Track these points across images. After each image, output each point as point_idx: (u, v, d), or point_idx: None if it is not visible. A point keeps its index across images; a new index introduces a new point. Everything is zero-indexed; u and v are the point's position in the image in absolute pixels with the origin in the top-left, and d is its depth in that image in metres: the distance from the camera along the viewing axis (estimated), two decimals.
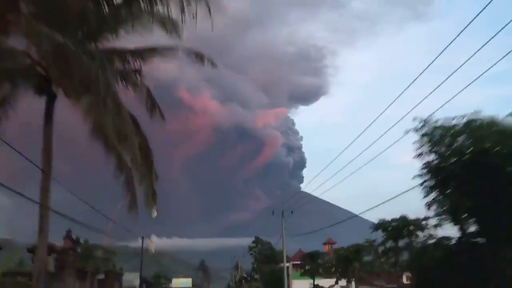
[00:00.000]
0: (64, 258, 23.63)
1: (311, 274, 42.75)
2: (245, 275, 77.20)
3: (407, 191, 19.16)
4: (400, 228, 24.16)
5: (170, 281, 71.26)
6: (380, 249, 27.70)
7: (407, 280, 62.92)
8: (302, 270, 49.55)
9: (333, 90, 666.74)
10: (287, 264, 55.95)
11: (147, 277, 46.93)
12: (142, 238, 34.90)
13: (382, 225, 25.41)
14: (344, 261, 34.29)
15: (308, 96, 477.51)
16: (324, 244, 63.81)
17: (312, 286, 49.38)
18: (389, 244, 26.25)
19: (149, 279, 48.29)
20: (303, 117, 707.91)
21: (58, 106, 13.02)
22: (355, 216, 41.26)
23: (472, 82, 13.29)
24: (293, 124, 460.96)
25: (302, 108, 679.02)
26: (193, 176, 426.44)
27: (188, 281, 77.17)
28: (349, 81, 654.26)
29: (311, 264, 43.03)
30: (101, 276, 35.28)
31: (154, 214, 15.56)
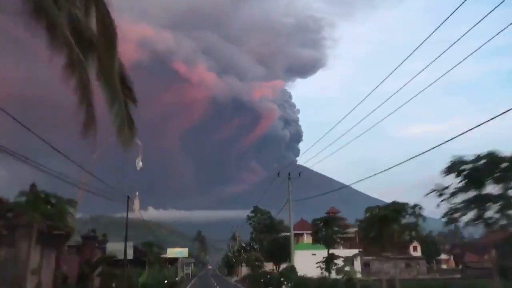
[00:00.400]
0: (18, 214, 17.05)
1: (326, 241, 36.16)
2: (244, 245, 74.15)
3: (399, 164, 19.28)
4: (488, 168, 14.77)
5: (164, 250, 65.39)
6: (450, 202, 14.02)
7: (414, 251, 62.51)
8: (314, 237, 39.95)
9: (331, 62, 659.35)
10: (287, 234, 55.06)
11: (137, 245, 42.61)
12: (128, 197, 25.57)
13: (458, 165, 15.19)
14: (380, 223, 23.50)
15: (305, 68, 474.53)
16: (327, 213, 63.48)
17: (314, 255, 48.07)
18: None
19: (140, 247, 43.73)
20: (300, 90, 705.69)
21: None
22: (346, 186, 43.26)
23: (469, 56, 13.08)
24: (290, 97, 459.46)
25: (299, 81, 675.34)
26: (189, 148, 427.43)
27: (184, 251, 73.49)
28: (347, 53, 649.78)
29: (326, 230, 36.57)
30: (75, 242, 28.41)
31: (139, 164, 8.73)
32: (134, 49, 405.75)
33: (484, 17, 11.59)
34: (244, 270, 66.86)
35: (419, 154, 17.43)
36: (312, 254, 46.58)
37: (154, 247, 44.63)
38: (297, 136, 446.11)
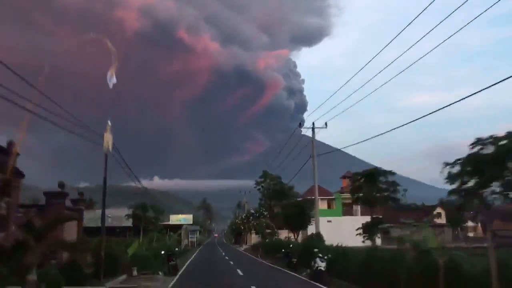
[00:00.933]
0: None
1: (369, 201, 27.81)
2: (253, 211, 68.25)
3: (395, 128, 18.87)
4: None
5: (165, 216, 58.33)
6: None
7: (438, 218, 58.03)
8: (353, 197, 30.85)
9: (337, 31, 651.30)
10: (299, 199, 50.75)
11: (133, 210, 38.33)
12: (105, 156, 17.07)
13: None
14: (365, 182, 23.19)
15: (310, 37, 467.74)
16: (343, 177, 60.73)
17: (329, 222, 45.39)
18: None
19: (136, 211, 38.06)
20: (306, 59, 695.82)
21: None
22: (338, 150, 42.23)
23: (469, 22, 12.67)
24: (295, 66, 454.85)
25: (304, 50, 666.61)
26: (194, 118, 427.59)
27: (188, 218, 69.89)
28: (353, 21, 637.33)
29: (369, 187, 27.60)
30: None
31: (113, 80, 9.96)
32: (136, 18, 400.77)
33: None
34: (253, 238, 63.45)
35: (414, 120, 17.10)
36: (328, 221, 43.24)
37: (149, 211, 38.06)
38: (302, 106, 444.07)
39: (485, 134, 11.87)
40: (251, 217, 65.58)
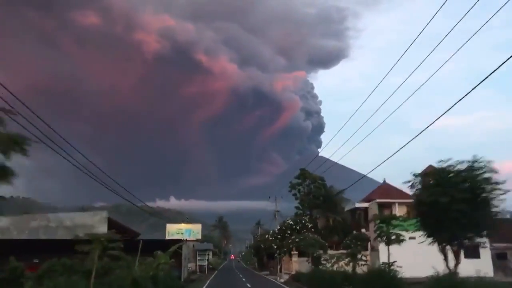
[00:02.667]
0: None
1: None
2: (291, 222, 45.88)
3: (405, 145, 18.07)
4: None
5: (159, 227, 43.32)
6: None
7: None
8: None
9: (354, 53, 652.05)
10: (365, 205, 41.00)
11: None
12: None
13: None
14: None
15: (328, 59, 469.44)
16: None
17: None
18: None
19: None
20: (323, 81, 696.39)
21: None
22: (364, 176, 37.77)
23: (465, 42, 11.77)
24: (312, 88, 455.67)
25: (321, 72, 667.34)
26: (211, 139, 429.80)
27: (196, 229, 46.51)
28: (371, 44, 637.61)
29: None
30: None
31: None
32: (156, 40, 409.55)
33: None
34: (295, 263, 40.08)
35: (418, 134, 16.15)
36: (411, 238, 26.52)
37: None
38: (319, 128, 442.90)
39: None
40: (289, 231, 44.45)
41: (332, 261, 29.93)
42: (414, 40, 14.70)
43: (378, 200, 39.42)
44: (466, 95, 12.55)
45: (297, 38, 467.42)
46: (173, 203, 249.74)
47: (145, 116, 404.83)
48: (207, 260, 57.07)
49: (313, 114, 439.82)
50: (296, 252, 39.57)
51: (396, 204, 38.91)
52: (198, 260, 53.77)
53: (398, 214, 33.28)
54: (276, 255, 50.19)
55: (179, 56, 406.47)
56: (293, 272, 37.85)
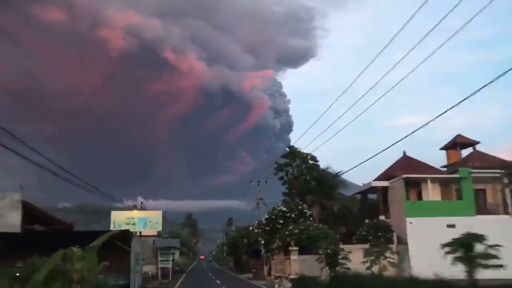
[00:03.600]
0: None
1: None
2: (284, 209, 36.67)
3: (381, 152, 18.90)
4: None
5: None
6: None
7: None
8: None
9: (323, 52, 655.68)
10: (383, 183, 31.86)
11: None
12: None
13: None
14: None
15: (296, 58, 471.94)
16: (450, 148, 37.68)
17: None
18: None
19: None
20: (291, 80, 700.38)
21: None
22: (338, 175, 36.39)
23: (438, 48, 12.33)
24: (281, 86, 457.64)
25: (290, 71, 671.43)
26: (179, 138, 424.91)
27: (154, 217, 36.49)
28: (339, 43, 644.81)
29: None
30: None
31: None
32: (122, 37, 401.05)
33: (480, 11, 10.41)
34: (294, 263, 29.64)
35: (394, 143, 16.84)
36: (449, 226, 23.02)
37: None
38: (288, 127, 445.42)
39: None
40: (281, 221, 35.66)
41: (370, 259, 22.14)
42: (390, 42, 14.96)
43: (406, 176, 29.75)
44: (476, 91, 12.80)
45: (265, 37, 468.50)
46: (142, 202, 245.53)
47: (111, 115, 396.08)
48: (172, 261, 43.46)
49: (282, 113, 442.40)
50: (296, 248, 28.96)
51: (429, 182, 30.43)
52: (160, 261, 40.14)
53: (430, 194, 28.57)
54: (262, 252, 40.02)
55: (146, 54, 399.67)
56: (293, 276, 27.73)
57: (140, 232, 33.12)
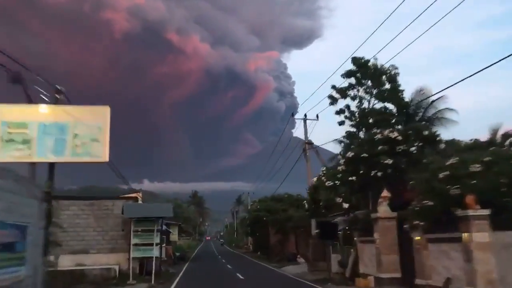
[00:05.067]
0: None
1: None
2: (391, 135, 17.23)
3: None
4: None
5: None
6: None
7: None
8: None
9: (328, 33, 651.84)
10: None
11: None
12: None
13: None
14: None
15: (301, 39, 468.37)
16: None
17: None
18: None
19: None
20: (296, 61, 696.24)
21: None
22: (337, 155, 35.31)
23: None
24: (286, 68, 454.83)
25: (295, 52, 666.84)
26: (184, 120, 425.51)
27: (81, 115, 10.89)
28: (344, 23, 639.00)
29: None
30: None
31: None
32: (126, 18, 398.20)
33: None
34: (483, 257, 11.19)
35: None
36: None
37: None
38: (293, 108, 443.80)
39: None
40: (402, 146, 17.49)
41: None
42: (384, 21, 14.56)
43: None
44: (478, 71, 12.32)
45: (270, 18, 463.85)
46: (147, 185, 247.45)
47: (116, 97, 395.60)
48: (161, 246, 25.97)
49: (287, 94, 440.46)
50: (485, 212, 11.35)
51: None
52: (134, 247, 21.83)
53: None
54: (340, 232, 21.48)
55: (149, 35, 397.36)
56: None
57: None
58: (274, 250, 40.18)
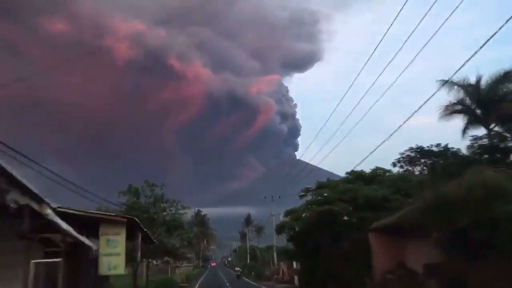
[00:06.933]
0: None
1: None
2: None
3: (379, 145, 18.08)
4: None
5: None
6: None
7: None
8: None
9: (328, 56, 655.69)
10: None
11: None
12: None
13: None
14: None
15: (302, 62, 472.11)
16: None
17: None
18: None
19: None
20: (297, 84, 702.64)
21: None
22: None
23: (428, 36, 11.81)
24: (287, 91, 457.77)
25: (296, 75, 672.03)
26: (186, 145, 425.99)
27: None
28: (344, 46, 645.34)
29: None
30: None
31: None
32: (128, 46, 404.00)
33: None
34: None
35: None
36: None
37: None
38: (295, 131, 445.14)
39: None
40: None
41: None
42: (380, 42, 14.49)
43: None
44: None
45: (270, 42, 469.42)
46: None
47: (119, 124, 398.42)
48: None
49: (289, 117, 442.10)
50: None
51: None
52: None
53: None
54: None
55: (151, 62, 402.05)
56: None
57: None
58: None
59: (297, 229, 27.42)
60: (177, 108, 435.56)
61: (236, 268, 67.98)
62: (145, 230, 19.28)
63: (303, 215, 26.17)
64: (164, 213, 34.43)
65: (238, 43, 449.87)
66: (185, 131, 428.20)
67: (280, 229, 29.97)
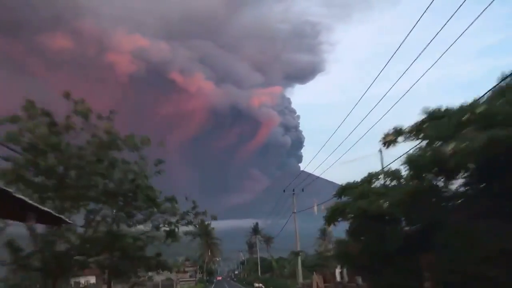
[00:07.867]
0: None
1: None
2: None
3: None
4: None
5: None
6: None
7: None
8: None
9: (330, 67, 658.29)
10: None
11: None
12: None
13: None
14: None
15: (304, 74, 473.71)
16: None
17: None
18: None
19: None
20: (300, 96, 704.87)
21: None
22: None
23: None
24: (290, 102, 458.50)
25: (298, 87, 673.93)
26: (190, 159, 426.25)
27: None
28: (346, 57, 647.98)
29: None
30: None
31: None
32: (130, 61, 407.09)
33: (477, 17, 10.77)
34: None
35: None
36: None
37: None
38: (298, 142, 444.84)
39: None
40: None
41: None
42: (395, 52, 14.65)
43: None
44: None
45: (272, 54, 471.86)
46: None
47: (122, 139, 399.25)
48: None
49: (291, 129, 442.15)
50: None
51: None
52: None
53: None
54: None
55: (154, 76, 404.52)
56: None
57: None
58: None
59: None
60: (181, 122, 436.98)
61: (256, 285, 54.67)
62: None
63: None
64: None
65: (239, 55, 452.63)
66: (189, 144, 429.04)
67: (333, 215, 16.75)
